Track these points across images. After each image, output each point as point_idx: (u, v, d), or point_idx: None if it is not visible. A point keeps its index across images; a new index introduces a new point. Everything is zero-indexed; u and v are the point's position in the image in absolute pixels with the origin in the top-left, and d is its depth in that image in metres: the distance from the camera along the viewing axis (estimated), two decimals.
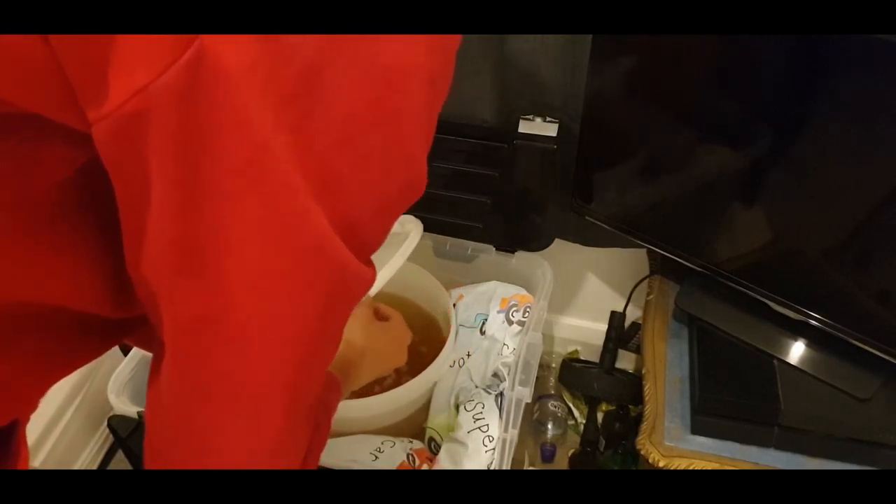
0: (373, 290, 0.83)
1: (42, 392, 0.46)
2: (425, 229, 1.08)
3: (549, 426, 1.25)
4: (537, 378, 0.97)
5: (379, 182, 0.38)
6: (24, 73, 0.32)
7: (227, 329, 0.36)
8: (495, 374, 0.96)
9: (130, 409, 0.94)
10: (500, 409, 0.91)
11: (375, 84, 0.35)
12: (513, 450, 0.88)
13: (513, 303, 1.04)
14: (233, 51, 0.31)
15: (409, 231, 0.99)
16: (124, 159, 0.33)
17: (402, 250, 0.92)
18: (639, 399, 0.99)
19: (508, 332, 1.00)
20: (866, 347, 0.84)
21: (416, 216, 1.04)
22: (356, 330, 0.77)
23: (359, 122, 0.35)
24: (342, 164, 0.36)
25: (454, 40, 0.40)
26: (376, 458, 0.89)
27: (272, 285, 0.36)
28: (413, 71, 0.37)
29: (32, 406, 0.47)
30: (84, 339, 0.45)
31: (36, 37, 0.31)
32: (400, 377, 1.02)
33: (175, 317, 0.36)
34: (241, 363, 0.37)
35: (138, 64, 0.30)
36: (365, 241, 0.40)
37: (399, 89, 0.36)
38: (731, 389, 0.89)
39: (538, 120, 0.97)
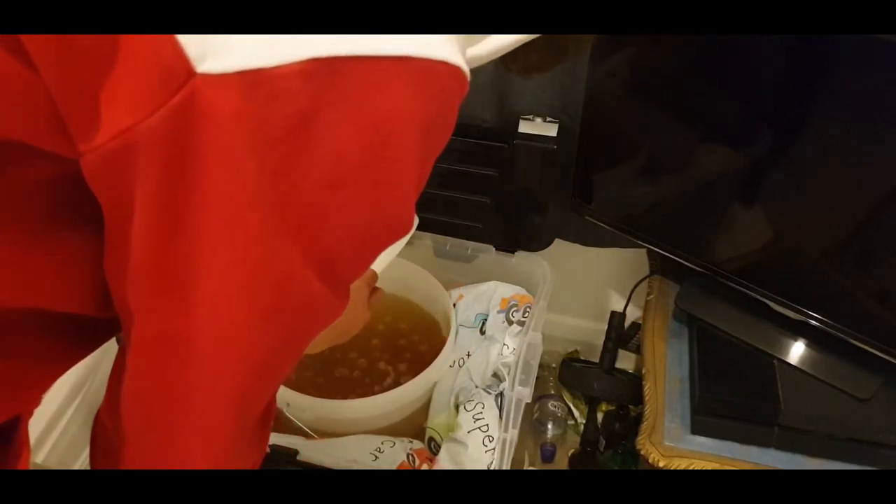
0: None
1: (44, 388, 0.46)
2: (425, 229, 1.08)
3: (549, 426, 1.25)
4: (537, 378, 0.96)
5: (363, 223, 0.39)
6: (12, 104, 0.32)
7: (188, 349, 0.37)
8: (495, 374, 0.96)
9: None
10: (500, 409, 0.91)
11: (370, 131, 0.36)
12: (513, 450, 0.88)
13: (513, 303, 1.04)
14: (223, 96, 0.31)
15: None
16: (110, 188, 0.34)
17: (392, 246, 0.92)
18: (639, 399, 0.99)
19: (508, 332, 1.00)
20: (866, 347, 0.84)
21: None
22: None
23: (348, 167, 0.36)
24: (327, 204, 0.36)
25: (457, 92, 0.40)
26: (376, 458, 0.89)
27: (236, 315, 0.37)
28: (409, 119, 0.37)
29: (34, 402, 0.47)
30: (81, 336, 0.45)
31: (25, 67, 0.31)
32: (399, 377, 1.03)
33: (142, 333, 0.37)
34: (196, 381, 0.38)
35: (128, 103, 0.31)
36: (342, 276, 0.41)
37: (394, 137, 0.37)
38: (731, 389, 0.89)
39: (538, 120, 0.97)
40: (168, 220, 0.34)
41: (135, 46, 0.31)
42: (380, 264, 0.89)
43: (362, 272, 0.43)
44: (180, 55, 0.31)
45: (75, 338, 0.45)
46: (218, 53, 0.31)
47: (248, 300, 0.36)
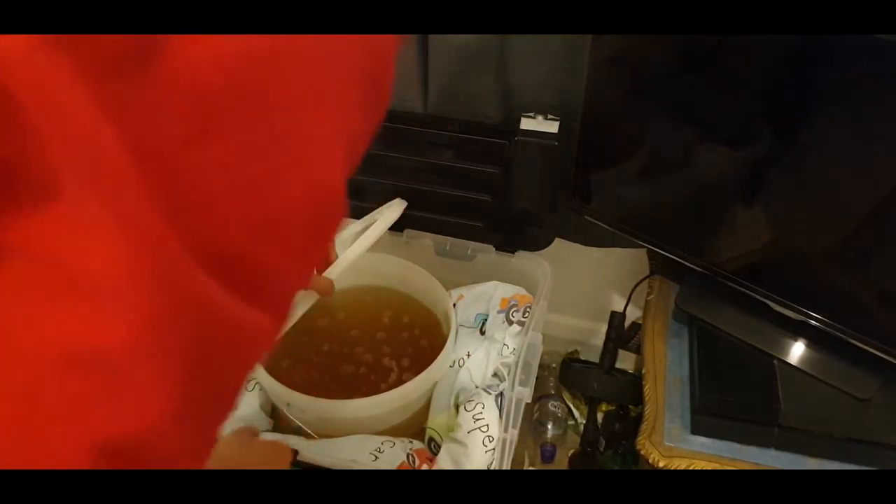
0: (332, 275, 0.78)
1: None
2: (426, 229, 1.08)
3: (549, 426, 1.25)
4: (537, 378, 0.96)
5: (255, 191, 0.29)
6: None
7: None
8: (495, 374, 0.96)
9: None
10: (500, 409, 0.91)
11: (242, 63, 0.27)
12: (513, 450, 0.88)
13: (513, 303, 1.04)
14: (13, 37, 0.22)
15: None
16: None
17: (368, 232, 0.84)
18: (639, 399, 0.99)
19: (508, 332, 1.00)
20: (866, 347, 0.84)
21: (415, 214, 1.04)
22: (233, 444, 0.74)
23: (218, 108, 0.27)
24: (194, 162, 0.27)
25: (388, 41, 0.33)
26: (376, 458, 0.89)
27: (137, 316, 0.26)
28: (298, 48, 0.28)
29: None
30: None
31: None
32: (402, 373, 1.03)
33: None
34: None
35: None
36: (248, 276, 0.30)
37: (282, 74, 0.28)
38: (731, 389, 0.89)
39: (539, 117, 0.97)
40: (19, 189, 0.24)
41: None
42: (349, 256, 0.81)
43: (293, 275, 0.32)
44: None
45: None
46: None
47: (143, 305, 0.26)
